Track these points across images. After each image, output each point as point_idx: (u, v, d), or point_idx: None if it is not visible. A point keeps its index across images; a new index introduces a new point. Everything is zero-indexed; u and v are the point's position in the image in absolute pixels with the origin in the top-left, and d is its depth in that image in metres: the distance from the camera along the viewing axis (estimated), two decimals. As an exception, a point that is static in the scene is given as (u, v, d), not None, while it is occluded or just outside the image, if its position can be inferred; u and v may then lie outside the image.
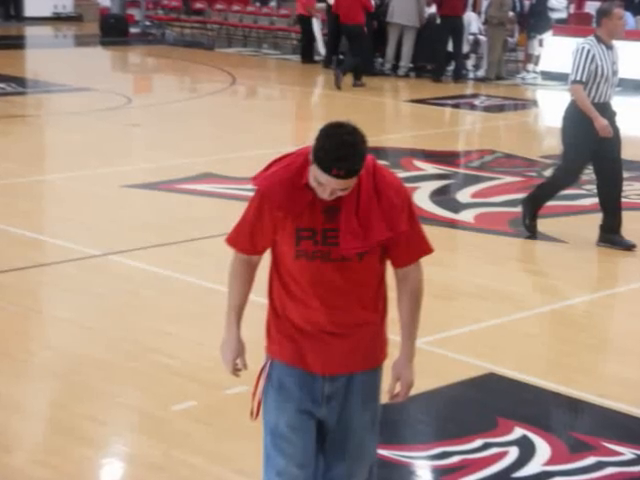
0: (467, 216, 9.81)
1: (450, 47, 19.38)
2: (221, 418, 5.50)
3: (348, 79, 18.12)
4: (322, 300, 3.57)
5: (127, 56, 23.95)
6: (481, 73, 20.09)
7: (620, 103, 10.02)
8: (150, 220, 9.37)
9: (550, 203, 9.30)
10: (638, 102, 17.35)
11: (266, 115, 15.66)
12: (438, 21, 19.48)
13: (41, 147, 13.06)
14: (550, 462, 5.15)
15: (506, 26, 19.64)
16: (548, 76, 19.61)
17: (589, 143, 8.66)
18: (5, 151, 12.25)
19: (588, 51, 8.60)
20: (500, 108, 17.24)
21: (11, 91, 16.81)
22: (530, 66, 20.25)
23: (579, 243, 9.02)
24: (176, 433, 5.33)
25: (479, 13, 21.18)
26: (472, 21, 20.27)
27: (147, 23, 26.67)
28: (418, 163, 12.10)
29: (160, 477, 4.93)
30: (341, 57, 20.16)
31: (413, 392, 3.82)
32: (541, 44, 19.96)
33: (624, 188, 9.04)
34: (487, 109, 16.99)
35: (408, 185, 4.32)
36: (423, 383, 5.06)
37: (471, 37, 20.26)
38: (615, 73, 8.72)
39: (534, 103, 18.52)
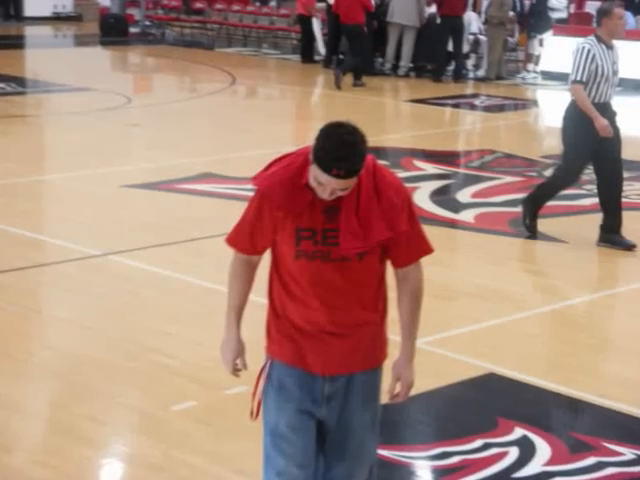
0: (467, 216, 9.81)
1: (450, 47, 19.38)
2: (221, 418, 5.50)
3: (348, 79, 18.11)
4: (322, 300, 3.57)
5: (127, 56, 23.94)
6: (481, 73, 20.08)
7: (620, 103, 10.01)
8: (150, 220, 9.37)
9: (550, 203, 9.30)
10: (638, 102, 17.35)
11: (266, 115, 15.65)
12: (438, 21, 19.47)
13: (41, 147, 13.05)
14: (550, 462, 5.15)
15: (506, 26, 19.64)
16: (548, 76, 19.60)
17: (589, 143, 8.65)
18: (5, 151, 12.25)
19: (588, 51, 8.60)
20: (500, 108, 17.23)
21: (11, 91, 16.80)
22: (530, 66, 20.24)
23: (579, 243, 9.01)
24: (176, 433, 5.33)
25: (479, 13, 21.18)
26: (472, 21, 20.27)
27: (147, 23, 26.66)
28: (418, 163, 12.10)
29: (160, 477, 4.93)
30: (341, 57, 20.15)
31: (413, 392, 3.81)
32: (541, 44, 19.95)
33: (624, 188, 9.03)
34: (487, 109, 16.99)
35: (408, 185, 4.32)
36: (423, 383, 5.06)
37: (471, 37, 20.25)
38: (615, 73, 8.72)
39: (534, 103, 18.51)
